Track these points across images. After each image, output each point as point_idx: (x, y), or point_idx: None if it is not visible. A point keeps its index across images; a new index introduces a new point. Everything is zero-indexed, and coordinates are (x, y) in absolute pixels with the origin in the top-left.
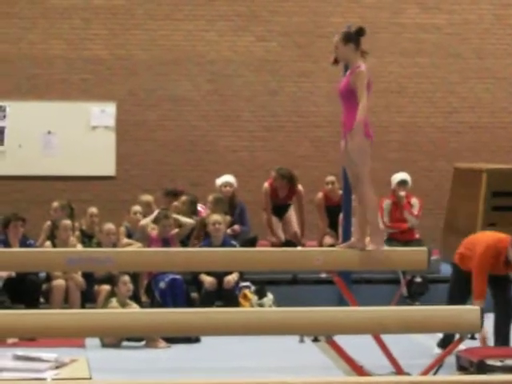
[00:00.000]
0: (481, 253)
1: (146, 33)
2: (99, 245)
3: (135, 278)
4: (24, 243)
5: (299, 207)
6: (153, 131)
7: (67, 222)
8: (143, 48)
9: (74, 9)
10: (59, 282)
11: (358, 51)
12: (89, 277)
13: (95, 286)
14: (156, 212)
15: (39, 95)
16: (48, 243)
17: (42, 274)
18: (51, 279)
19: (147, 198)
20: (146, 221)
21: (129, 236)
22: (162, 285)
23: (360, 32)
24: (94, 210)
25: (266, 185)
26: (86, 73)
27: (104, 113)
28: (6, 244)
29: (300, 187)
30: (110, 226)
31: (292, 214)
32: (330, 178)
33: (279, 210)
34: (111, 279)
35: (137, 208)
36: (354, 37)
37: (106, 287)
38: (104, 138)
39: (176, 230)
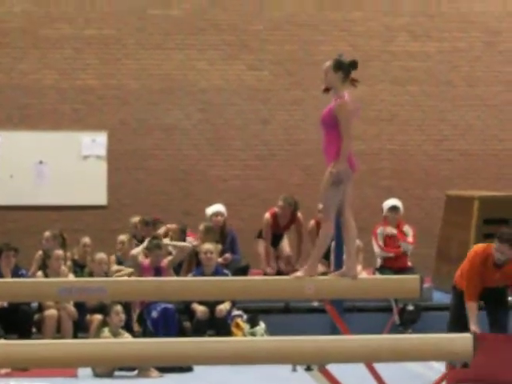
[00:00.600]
0: (469, 258)
1: (137, 62)
2: (91, 274)
3: (127, 307)
4: (16, 273)
5: (298, 235)
6: (144, 160)
7: (59, 251)
8: (134, 77)
9: (66, 39)
10: (51, 312)
11: (346, 82)
12: (81, 306)
13: (87, 316)
14: (147, 241)
15: (31, 125)
16: (40, 273)
17: (34, 304)
18: (43, 309)
19: (137, 219)
20: (137, 250)
21: (119, 264)
22: (154, 314)
23: (353, 64)
24: (86, 239)
25: (268, 215)
26: (78, 102)
27: (95, 142)
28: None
29: (300, 215)
30: (101, 255)
31: (285, 242)
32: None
33: (275, 240)
34: (103, 309)
35: (122, 237)
36: (345, 67)
37: (98, 317)
38: (95, 167)
39: (168, 258)
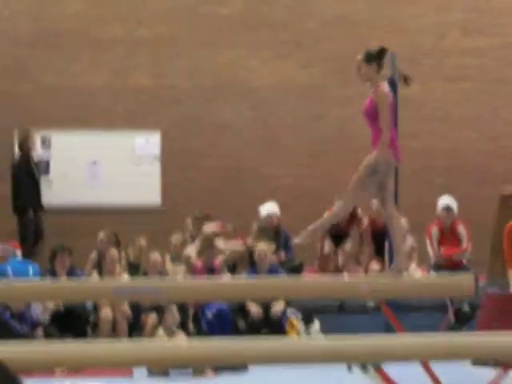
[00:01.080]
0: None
1: (189, 61)
2: (146, 275)
3: (182, 307)
4: (71, 274)
5: (361, 234)
6: (197, 159)
7: (114, 252)
8: (187, 76)
9: (118, 39)
10: (106, 313)
11: (380, 71)
12: (136, 306)
13: (142, 316)
14: (198, 240)
15: (84, 126)
16: (95, 274)
17: (90, 305)
18: (98, 310)
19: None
20: (190, 250)
21: (173, 264)
22: (209, 314)
23: (382, 52)
24: (141, 240)
25: None
26: (131, 102)
27: (149, 142)
28: (54, 275)
29: (360, 212)
30: (156, 255)
31: (349, 241)
32: (375, 202)
33: (338, 240)
34: (158, 308)
35: (176, 237)
36: (376, 57)
37: (153, 317)
38: (149, 167)
39: (222, 258)
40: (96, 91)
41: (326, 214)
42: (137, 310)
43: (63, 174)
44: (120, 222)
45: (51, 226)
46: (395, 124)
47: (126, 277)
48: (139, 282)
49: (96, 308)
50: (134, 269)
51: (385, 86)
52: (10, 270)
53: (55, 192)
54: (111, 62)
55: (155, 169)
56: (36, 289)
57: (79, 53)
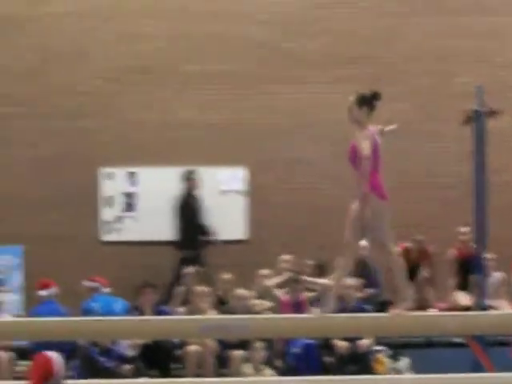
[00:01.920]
0: None
1: (272, 97)
2: (233, 310)
3: (269, 342)
4: (157, 310)
5: (430, 269)
6: (283, 195)
7: (201, 288)
8: (270, 112)
9: (203, 75)
10: (193, 348)
11: (371, 115)
12: (222, 342)
13: (229, 351)
14: (285, 275)
15: (170, 161)
16: (182, 309)
17: (176, 340)
18: (185, 345)
19: (287, 257)
20: (272, 281)
21: (260, 299)
22: (296, 349)
23: (375, 96)
24: (227, 275)
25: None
26: (215, 138)
27: (235, 177)
28: (140, 311)
29: (430, 248)
30: (242, 291)
31: (423, 276)
32: (465, 229)
33: (412, 273)
34: (245, 344)
35: (263, 272)
36: (368, 101)
37: (240, 352)
38: (235, 201)
39: (308, 294)
40: (183, 127)
41: (333, 276)
42: (223, 345)
43: (150, 210)
44: (207, 256)
45: (136, 261)
46: (376, 166)
47: (213, 313)
48: (226, 318)
49: (182, 343)
50: (220, 304)
51: (369, 130)
52: (97, 307)
53: (141, 226)
54: (196, 97)
55: (241, 203)
56: (123, 326)
57: (166, 88)
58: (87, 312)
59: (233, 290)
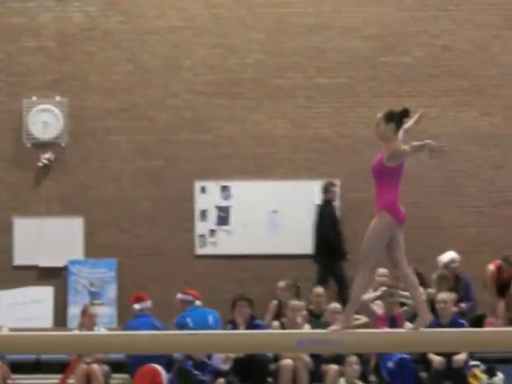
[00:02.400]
0: None
1: (369, 110)
2: (327, 324)
3: (363, 357)
4: (251, 323)
5: None
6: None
7: (295, 302)
8: (367, 125)
9: (298, 88)
10: (287, 362)
11: (398, 132)
12: (316, 356)
13: (323, 366)
14: (381, 289)
15: (264, 174)
16: (276, 323)
17: (270, 354)
18: (279, 359)
19: (382, 271)
20: (368, 296)
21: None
22: (391, 364)
23: (404, 113)
24: (319, 289)
25: (492, 267)
26: (310, 151)
27: None
28: (234, 324)
29: None
30: (335, 305)
31: None
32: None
33: (502, 288)
34: (339, 359)
35: None
36: (397, 117)
37: (334, 367)
38: None
39: (404, 309)
40: (276, 140)
41: (352, 293)
42: (317, 360)
43: (243, 223)
44: (299, 270)
45: (230, 274)
46: (396, 184)
47: (307, 327)
48: (321, 333)
49: (276, 357)
50: (314, 318)
51: (401, 145)
52: (190, 320)
53: (235, 240)
54: (291, 110)
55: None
56: (218, 340)
57: (259, 102)
58: (181, 325)
59: (326, 304)
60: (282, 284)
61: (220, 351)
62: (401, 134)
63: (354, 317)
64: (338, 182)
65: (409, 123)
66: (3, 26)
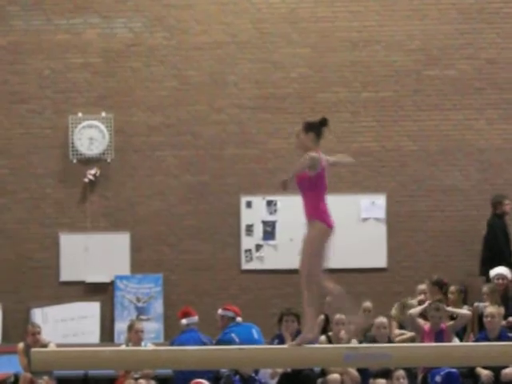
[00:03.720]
0: None
1: (414, 124)
2: (374, 339)
3: (410, 371)
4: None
5: None
6: (423, 222)
7: (341, 316)
8: (412, 139)
9: (343, 102)
10: (334, 377)
11: (318, 141)
12: (364, 370)
13: (370, 380)
14: (426, 303)
15: None
16: (323, 338)
17: (317, 368)
18: (326, 373)
19: (423, 287)
20: (414, 310)
21: (401, 328)
22: (438, 378)
23: (322, 123)
24: (367, 303)
25: None
26: (356, 165)
27: (374, 205)
28: (281, 339)
29: None
30: (381, 319)
31: None
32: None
33: None
34: (386, 373)
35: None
36: (315, 127)
37: (382, 381)
38: (375, 229)
39: (450, 323)
40: None
41: (305, 309)
42: (365, 374)
43: (289, 238)
44: (346, 284)
45: (277, 289)
46: (322, 191)
47: (354, 341)
48: (369, 347)
49: (324, 371)
50: (362, 332)
51: (320, 154)
52: (235, 336)
53: (281, 255)
54: (336, 125)
55: (381, 231)
56: (265, 355)
57: (304, 116)
58: (226, 342)
59: (373, 319)
60: (329, 299)
61: (267, 366)
62: (324, 162)
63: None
64: (384, 195)
65: (334, 159)
66: (49, 42)
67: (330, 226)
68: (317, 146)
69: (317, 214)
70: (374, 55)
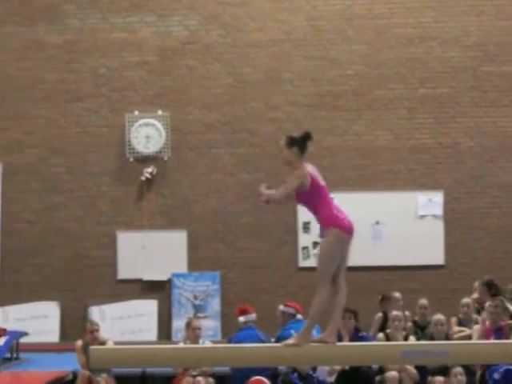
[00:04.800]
0: None
1: (471, 120)
2: (432, 336)
3: (468, 368)
4: (356, 335)
5: None
6: (481, 219)
7: (398, 313)
8: (469, 135)
9: (399, 99)
10: (393, 374)
11: (302, 155)
12: (422, 368)
13: (428, 377)
14: (488, 303)
15: (366, 186)
16: (381, 335)
17: (375, 366)
18: (384, 371)
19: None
20: (473, 307)
21: (460, 326)
22: (496, 375)
23: (305, 137)
24: (423, 301)
25: None
26: (413, 162)
27: (431, 202)
28: (338, 336)
29: None
30: (439, 316)
31: None
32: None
33: None
34: (445, 370)
35: (466, 301)
36: (298, 141)
37: (440, 378)
38: (432, 226)
39: (510, 321)
40: (377, 151)
41: (312, 312)
42: (423, 371)
43: None
44: (403, 281)
45: None
46: (323, 198)
47: (412, 338)
48: (427, 344)
49: (382, 368)
50: (419, 329)
51: (305, 168)
52: (294, 332)
53: None
54: (392, 121)
55: (438, 228)
56: (322, 352)
57: (360, 113)
58: (285, 338)
59: (430, 316)
60: (393, 295)
61: (325, 363)
62: (312, 171)
63: (310, 336)
64: (441, 192)
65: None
66: (105, 41)
67: (345, 230)
68: (300, 160)
69: (329, 222)
70: (430, 51)
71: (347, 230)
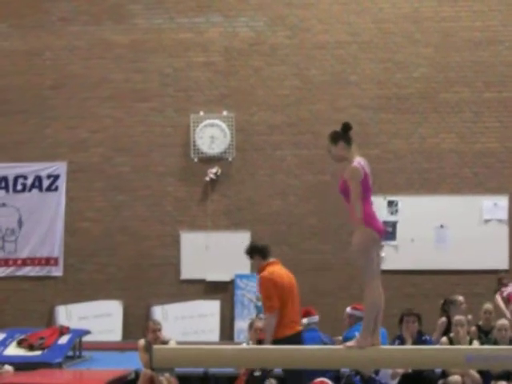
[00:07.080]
0: None
1: None
2: (496, 341)
3: None
4: (419, 339)
5: None
6: None
7: (461, 317)
8: None
9: (465, 102)
10: (456, 379)
11: (350, 146)
12: (485, 372)
13: (492, 382)
14: None
15: (431, 189)
16: (444, 339)
17: (438, 370)
18: (447, 375)
19: None
20: None
21: None
22: None
23: (344, 128)
24: (488, 305)
25: None
26: (478, 166)
27: (497, 206)
28: (401, 340)
29: None
30: (503, 321)
31: None
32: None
33: None
34: (508, 375)
35: None
36: (340, 135)
37: (503, 383)
38: (496, 231)
39: None
40: (443, 155)
41: (364, 314)
42: (486, 376)
43: (410, 238)
44: (467, 285)
45: (397, 290)
46: (367, 196)
47: (476, 343)
48: (491, 348)
49: (444, 373)
50: (483, 334)
51: (358, 162)
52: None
53: (401, 255)
54: (458, 125)
55: (503, 232)
56: (386, 356)
57: (426, 116)
58: (349, 339)
59: (494, 320)
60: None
61: (388, 366)
62: (365, 166)
63: (371, 337)
64: (507, 197)
65: None
66: (171, 41)
67: (377, 231)
68: (350, 151)
69: (368, 219)
70: (496, 55)
71: (378, 230)
